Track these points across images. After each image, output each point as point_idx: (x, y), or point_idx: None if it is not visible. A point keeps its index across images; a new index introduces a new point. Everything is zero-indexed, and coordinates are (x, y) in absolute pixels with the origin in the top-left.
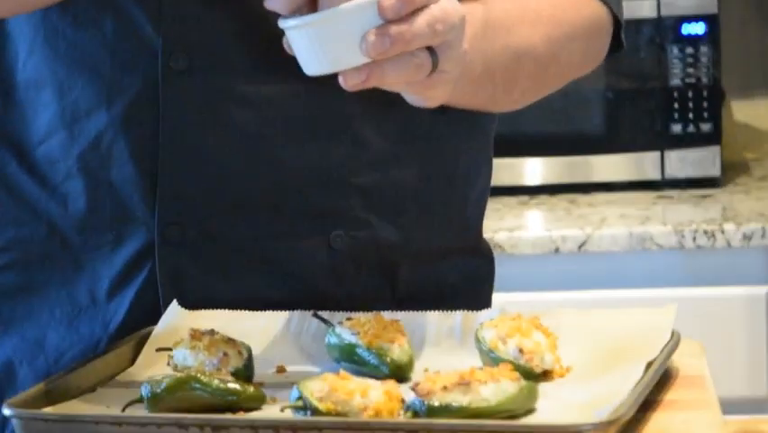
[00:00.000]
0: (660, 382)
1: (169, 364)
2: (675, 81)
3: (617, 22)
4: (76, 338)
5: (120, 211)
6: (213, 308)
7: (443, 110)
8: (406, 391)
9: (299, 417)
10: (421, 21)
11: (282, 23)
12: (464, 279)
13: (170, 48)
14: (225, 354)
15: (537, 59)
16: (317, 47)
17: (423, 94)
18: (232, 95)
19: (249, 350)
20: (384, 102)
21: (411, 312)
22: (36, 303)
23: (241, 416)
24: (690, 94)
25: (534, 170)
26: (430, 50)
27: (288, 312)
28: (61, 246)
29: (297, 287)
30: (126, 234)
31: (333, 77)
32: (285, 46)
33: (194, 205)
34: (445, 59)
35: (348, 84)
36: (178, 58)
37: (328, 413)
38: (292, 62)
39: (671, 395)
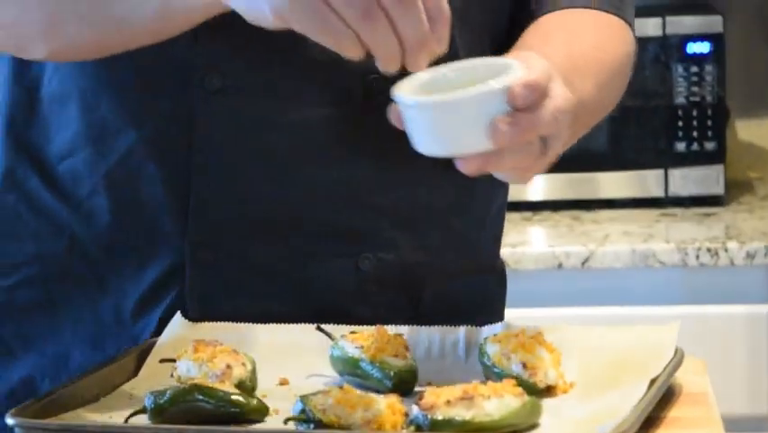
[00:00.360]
0: (663, 400)
1: (172, 376)
2: (680, 99)
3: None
4: (101, 357)
5: (147, 230)
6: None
7: None
8: (409, 405)
9: (302, 429)
10: (546, 111)
11: (401, 99)
12: (483, 296)
13: (204, 69)
14: (229, 366)
15: (591, 109)
16: (438, 128)
17: (523, 176)
18: (265, 117)
19: (252, 362)
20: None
21: (415, 326)
22: (58, 320)
23: (244, 428)
24: (695, 112)
25: (537, 186)
26: (542, 136)
27: (292, 325)
28: (85, 263)
29: (324, 307)
30: (153, 254)
31: (366, 96)
32: (391, 118)
33: (224, 226)
34: (553, 144)
35: (468, 169)
36: (213, 79)
37: (331, 426)
38: (325, 87)
39: (674, 412)
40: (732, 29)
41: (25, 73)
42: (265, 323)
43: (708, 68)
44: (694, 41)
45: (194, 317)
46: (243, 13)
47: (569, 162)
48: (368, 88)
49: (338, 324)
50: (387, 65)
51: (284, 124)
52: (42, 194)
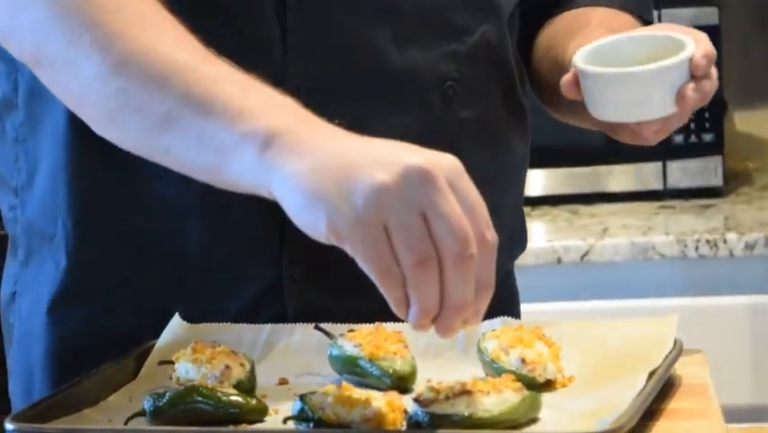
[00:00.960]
0: (662, 391)
1: (171, 378)
2: None
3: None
4: None
5: (241, 251)
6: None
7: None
8: (408, 402)
9: (302, 429)
10: (715, 78)
11: (593, 71)
12: (510, 292)
13: (295, 82)
14: (228, 367)
15: None
16: (630, 97)
17: (656, 138)
18: (348, 123)
19: (251, 362)
20: (483, 132)
21: None
22: (151, 339)
23: (243, 428)
24: None
25: (536, 180)
26: None
27: (290, 324)
28: (177, 284)
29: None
30: (248, 273)
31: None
32: (564, 88)
33: (318, 244)
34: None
35: (649, 132)
36: (300, 89)
37: (331, 424)
38: (402, 95)
39: (673, 404)
40: (728, 20)
41: None
42: (360, 322)
43: None
44: None
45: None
46: (292, 215)
47: (567, 157)
48: (444, 96)
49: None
50: (419, 319)
51: (365, 131)
52: (131, 218)
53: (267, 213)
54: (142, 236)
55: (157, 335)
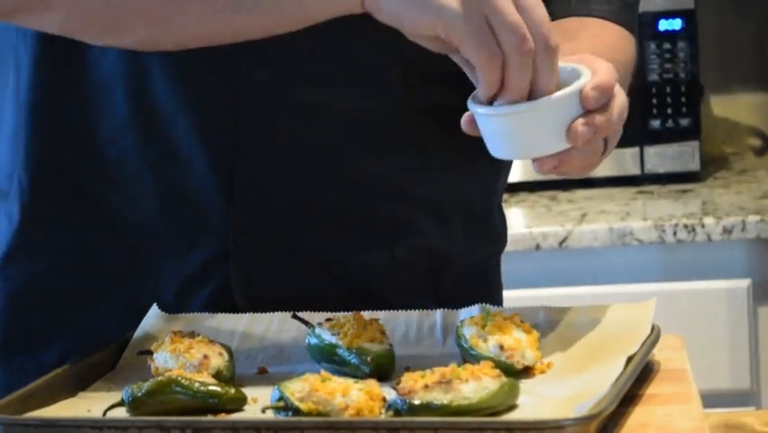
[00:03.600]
0: (640, 377)
1: (150, 368)
2: (653, 77)
3: None
4: None
5: (192, 217)
6: (281, 310)
7: None
8: (387, 390)
9: (281, 417)
10: (615, 111)
11: (477, 109)
12: (489, 279)
13: (252, 59)
14: (206, 356)
15: None
16: (516, 134)
17: (584, 171)
18: (308, 109)
19: (229, 351)
20: (448, 119)
21: (392, 311)
22: (95, 306)
23: (222, 417)
24: (669, 89)
25: (514, 167)
26: None
27: (268, 314)
28: (125, 249)
29: (360, 293)
30: (197, 241)
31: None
32: (464, 127)
33: (268, 214)
34: (611, 142)
35: (544, 169)
36: (260, 69)
37: (309, 413)
38: (368, 79)
39: (651, 389)
40: (703, 4)
41: (62, 59)
42: (304, 306)
43: (681, 44)
44: (666, 17)
45: (238, 304)
46: (389, 16)
47: None
48: (406, 79)
49: (372, 309)
50: (512, 95)
51: (327, 115)
52: (86, 179)
53: (218, 180)
54: (95, 197)
55: (101, 297)
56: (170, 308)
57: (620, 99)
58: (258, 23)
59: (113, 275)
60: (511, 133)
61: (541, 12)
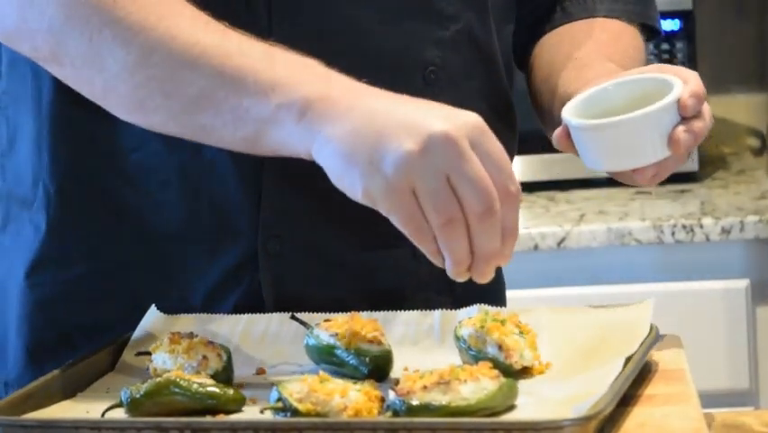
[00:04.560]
0: (639, 377)
1: (148, 369)
2: None
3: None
4: None
5: (219, 222)
6: (311, 312)
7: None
8: (385, 391)
9: (279, 418)
10: (707, 116)
11: (578, 124)
12: (498, 277)
13: None
14: (204, 357)
15: None
16: (618, 145)
17: (655, 180)
18: None
19: (228, 352)
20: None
21: (390, 311)
22: (119, 312)
23: (221, 418)
24: None
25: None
26: None
27: (266, 314)
28: (152, 255)
29: (386, 292)
30: (224, 246)
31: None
32: (556, 141)
33: (294, 217)
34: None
35: (645, 179)
36: None
37: (308, 414)
38: (385, 78)
39: (650, 389)
40: (701, 5)
41: None
42: (332, 309)
43: (679, 45)
44: (664, 18)
45: (267, 307)
46: (333, 179)
47: (543, 143)
48: (426, 80)
49: (397, 309)
50: (456, 271)
51: None
52: (112, 185)
53: (244, 185)
54: (122, 205)
55: (129, 304)
56: (199, 312)
57: (707, 105)
58: (211, 143)
59: (141, 282)
60: (611, 145)
61: (475, 174)
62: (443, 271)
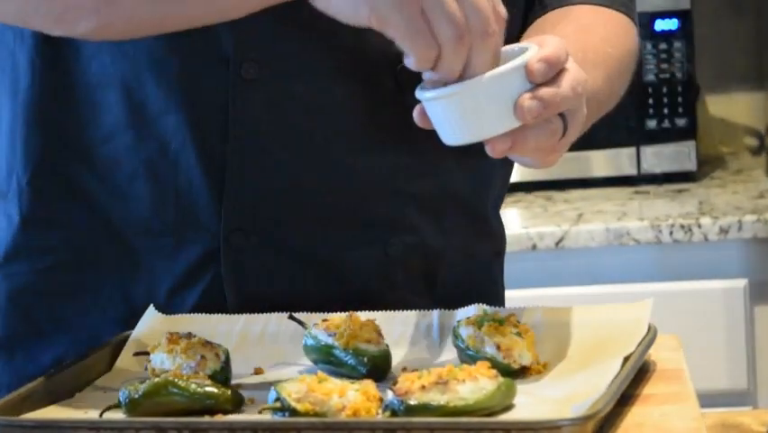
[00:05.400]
0: (637, 377)
1: (146, 369)
2: (649, 77)
3: None
4: None
5: (184, 215)
6: (272, 310)
7: None
8: (384, 391)
9: (278, 418)
10: (566, 84)
11: (422, 95)
12: (489, 279)
13: (242, 57)
14: (203, 357)
15: (600, 100)
16: (464, 116)
17: (545, 159)
18: (299, 105)
19: (226, 352)
20: None
21: (388, 311)
22: (89, 304)
23: (219, 418)
24: (665, 89)
25: None
26: (561, 114)
27: (264, 314)
28: (118, 247)
29: (353, 291)
30: (189, 239)
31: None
32: (416, 119)
33: (259, 211)
34: (572, 123)
35: (495, 151)
36: (249, 67)
37: (306, 414)
38: (356, 76)
39: (648, 389)
40: (699, 4)
41: (58, 60)
42: (297, 306)
43: (677, 44)
44: (662, 18)
45: (230, 301)
46: (332, 7)
47: None
48: (397, 77)
49: (367, 309)
50: (439, 82)
51: (317, 113)
52: (81, 178)
53: (208, 178)
54: (91, 196)
55: (98, 295)
56: (163, 305)
57: (573, 74)
58: (192, 13)
59: (109, 274)
60: (458, 115)
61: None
62: (420, 270)
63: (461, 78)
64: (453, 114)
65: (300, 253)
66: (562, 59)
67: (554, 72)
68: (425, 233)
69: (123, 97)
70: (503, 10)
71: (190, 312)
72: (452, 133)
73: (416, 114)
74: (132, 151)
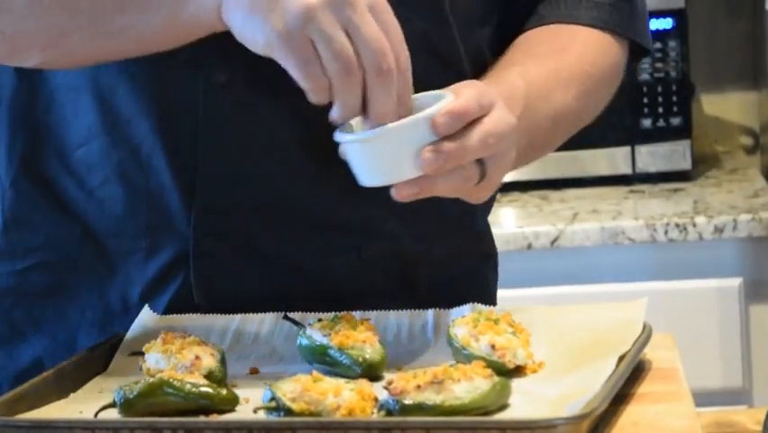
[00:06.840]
0: (632, 376)
1: (141, 369)
2: (644, 76)
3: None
4: None
5: (156, 219)
6: (242, 312)
7: None
8: (379, 391)
9: (273, 418)
10: (474, 136)
11: (338, 137)
12: (478, 282)
13: (211, 63)
14: (198, 357)
15: (572, 117)
16: (371, 161)
17: (469, 197)
18: (269, 110)
19: (221, 352)
20: None
21: (383, 311)
22: (67, 304)
23: (214, 418)
24: (660, 88)
25: None
26: (479, 160)
27: (260, 314)
28: (95, 250)
29: (327, 297)
30: (161, 242)
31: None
32: (341, 155)
33: (229, 216)
34: (494, 168)
35: (400, 196)
36: (219, 73)
37: (301, 413)
38: None
39: (643, 388)
40: (694, 3)
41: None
42: (269, 311)
43: (672, 43)
44: (657, 17)
45: (199, 304)
46: (237, 34)
47: None
48: None
49: (339, 312)
50: (342, 118)
51: (287, 118)
52: (59, 181)
53: (178, 182)
54: (67, 199)
55: (74, 297)
56: (137, 307)
57: (488, 126)
58: (130, 46)
59: (86, 276)
60: (366, 159)
61: (372, 32)
62: (398, 275)
63: (371, 120)
64: (362, 158)
65: (270, 258)
66: (471, 112)
67: (461, 125)
68: (400, 237)
69: (96, 102)
70: (405, 52)
71: (162, 315)
72: (363, 175)
73: (340, 153)
74: (106, 155)
